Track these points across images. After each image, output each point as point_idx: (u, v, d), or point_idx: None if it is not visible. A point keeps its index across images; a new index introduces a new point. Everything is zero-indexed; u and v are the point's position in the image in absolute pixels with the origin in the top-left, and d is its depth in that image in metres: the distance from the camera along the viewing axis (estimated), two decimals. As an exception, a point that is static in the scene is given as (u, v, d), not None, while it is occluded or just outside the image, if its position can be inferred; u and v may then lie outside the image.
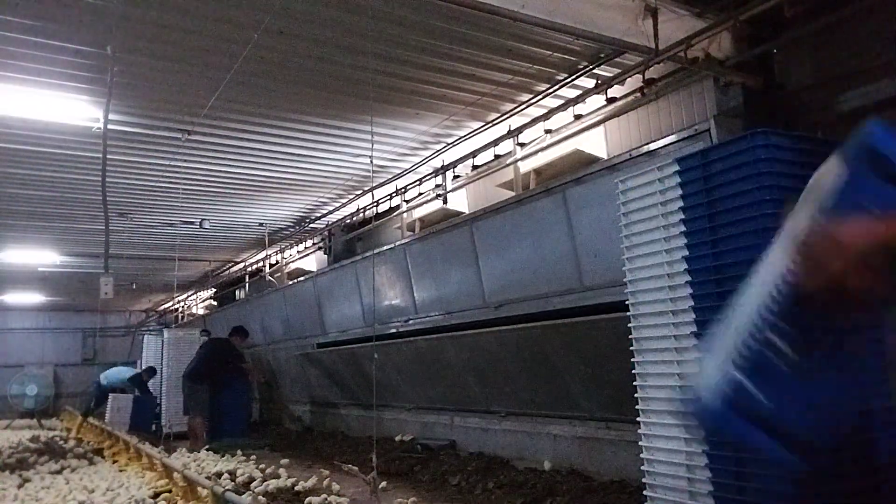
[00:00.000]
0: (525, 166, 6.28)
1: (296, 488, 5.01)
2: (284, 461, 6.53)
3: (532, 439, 5.28)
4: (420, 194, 7.78)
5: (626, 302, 3.06)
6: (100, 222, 9.24)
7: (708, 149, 2.68)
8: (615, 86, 5.23)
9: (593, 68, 5.42)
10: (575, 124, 5.67)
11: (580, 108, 5.62)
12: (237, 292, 13.75)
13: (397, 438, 6.84)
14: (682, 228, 2.78)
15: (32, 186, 7.81)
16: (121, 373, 11.94)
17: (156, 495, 4.92)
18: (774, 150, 2.48)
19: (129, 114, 5.91)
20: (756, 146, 2.48)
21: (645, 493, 2.91)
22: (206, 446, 7.99)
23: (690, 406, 1.15)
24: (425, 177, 7.67)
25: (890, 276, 0.97)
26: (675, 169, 2.83)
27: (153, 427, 10.35)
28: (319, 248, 10.29)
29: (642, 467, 2.90)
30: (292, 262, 11.16)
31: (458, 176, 7.27)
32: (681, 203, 2.79)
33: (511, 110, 6.24)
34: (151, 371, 11.46)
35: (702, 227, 2.69)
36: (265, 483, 5.17)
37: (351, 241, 9.44)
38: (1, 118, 5.81)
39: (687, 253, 2.75)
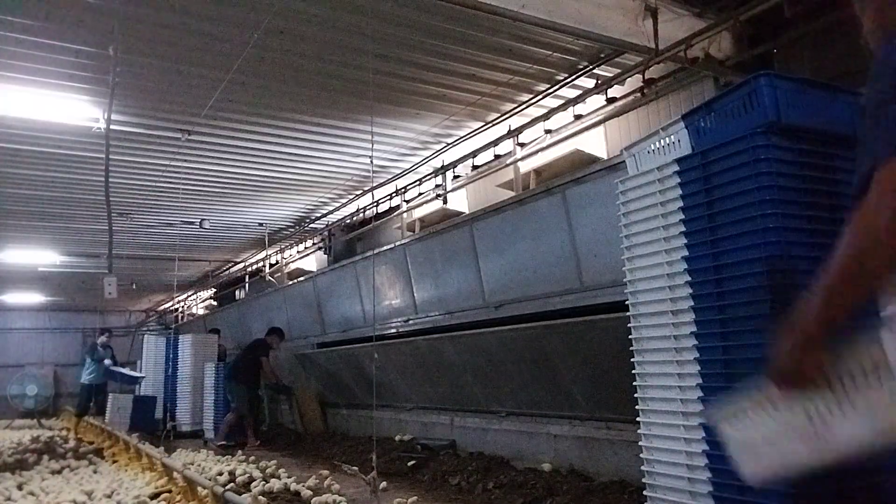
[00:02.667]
0: (525, 166, 6.28)
1: (296, 488, 5.01)
2: (284, 461, 6.53)
3: (532, 439, 5.28)
4: (420, 194, 7.79)
5: (626, 302, 3.06)
6: (100, 222, 9.29)
7: (708, 149, 2.68)
8: (615, 86, 5.24)
9: (593, 68, 5.42)
10: (575, 124, 5.67)
11: (580, 108, 5.62)
12: (237, 292, 13.75)
13: (397, 438, 6.84)
14: (682, 228, 2.78)
15: (32, 186, 7.81)
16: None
17: (156, 495, 4.91)
18: (774, 150, 2.48)
19: (129, 114, 5.92)
20: (756, 146, 2.48)
21: (645, 493, 2.91)
22: (221, 443, 8.01)
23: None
24: (425, 177, 7.67)
25: None
26: (674, 169, 2.83)
27: (162, 427, 10.31)
28: (319, 248, 10.29)
29: (642, 467, 2.90)
30: (292, 262, 11.15)
31: (458, 176, 7.27)
32: (681, 203, 2.79)
33: (511, 110, 6.24)
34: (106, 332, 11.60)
35: (701, 227, 2.68)
36: (265, 483, 5.17)
37: (351, 241, 9.44)
38: (1, 118, 5.81)
39: (687, 253, 2.75)
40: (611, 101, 5.29)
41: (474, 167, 6.88)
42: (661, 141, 2.96)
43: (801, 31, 4.09)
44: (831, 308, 1.17)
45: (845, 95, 2.68)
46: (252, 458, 6.75)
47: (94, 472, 6.51)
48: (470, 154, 6.82)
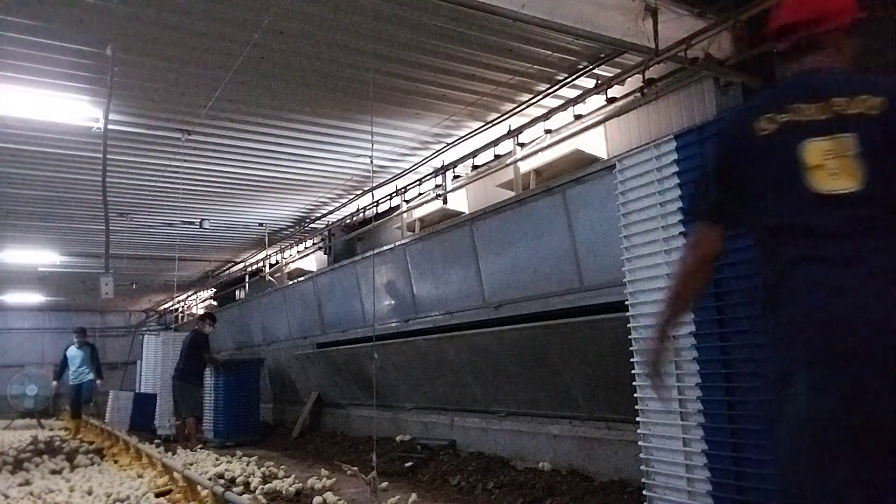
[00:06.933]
0: (525, 166, 6.28)
1: (295, 488, 5.01)
2: (284, 461, 6.54)
3: (532, 439, 5.28)
4: (420, 194, 7.79)
5: (626, 302, 3.06)
6: (100, 222, 9.25)
7: (703, 124, 2.70)
8: (615, 86, 5.23)
9: (593, 68, 5.42)
10: (575, 124, 5.67)
11: (580, 108, 5.62)
12: (237, 292, 13.75)
13: (397, 438, 6.84)
14: (682, 228, 2.78)
15: (32, 186, 7.81)
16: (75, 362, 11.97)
17: (156, 495, 4.92)
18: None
19: (129, 114, 5.91)
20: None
21: (645, 493, 2.91)
22: (200, 445, 8.00)
23: None
24: (425, 177, 7.67)
25: None
26: (674, 170, 2.84)
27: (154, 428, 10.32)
28: (319, 248, 10.29)
29: (642, 467, 2.90)
30: (292, 262, 11.16)
31: (458, 176, 7.27)
32: (680, 203, 2.79)
33: (511, 110, 6.24)
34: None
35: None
36: (265, 483, 5.18)
37: (351, 241, 9.44)
38: (1, 118, 5.81)
39: (686, 253, 2.75)
40: (611, 101, 5.28)
41: (474, 167, 6.88)
42: (653, 158, 2.97)
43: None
44: (667, 312, 1.83)
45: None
46: (254, 457, 6.75)
47: (95, 472, 6.52)
48: (470, 154, 6.82)
